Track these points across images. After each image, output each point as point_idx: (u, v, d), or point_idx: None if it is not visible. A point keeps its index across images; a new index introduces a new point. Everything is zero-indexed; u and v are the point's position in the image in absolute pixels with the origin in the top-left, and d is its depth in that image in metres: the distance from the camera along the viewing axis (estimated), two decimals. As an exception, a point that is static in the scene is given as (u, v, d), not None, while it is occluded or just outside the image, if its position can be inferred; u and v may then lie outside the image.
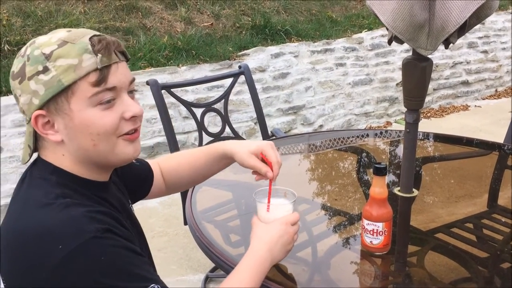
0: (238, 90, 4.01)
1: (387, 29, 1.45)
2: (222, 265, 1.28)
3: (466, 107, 5.76)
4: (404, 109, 5.15)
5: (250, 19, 4.94)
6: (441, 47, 1.48)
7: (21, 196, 0.95)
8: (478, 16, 1.33)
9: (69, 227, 0.85)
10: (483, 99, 6.07)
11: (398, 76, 5.28)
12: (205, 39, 4.47)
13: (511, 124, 2.57)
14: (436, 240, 1.50)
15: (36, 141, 0.97)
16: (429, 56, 1.45)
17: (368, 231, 1.25)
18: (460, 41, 5.98)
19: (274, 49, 4.57)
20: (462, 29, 1.35)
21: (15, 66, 0.93)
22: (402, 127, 5.81)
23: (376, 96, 5.09)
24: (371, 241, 1.26)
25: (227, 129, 2.49)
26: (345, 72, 4.92)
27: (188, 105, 2.42)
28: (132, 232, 1.02)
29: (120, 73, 0.93)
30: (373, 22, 5.55)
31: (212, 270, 2.62)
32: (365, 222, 1.26)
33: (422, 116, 5.43)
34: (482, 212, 1.66)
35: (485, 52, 6.12)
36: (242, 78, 2.57)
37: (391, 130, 2.55)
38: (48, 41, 0.91)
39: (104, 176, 1.01)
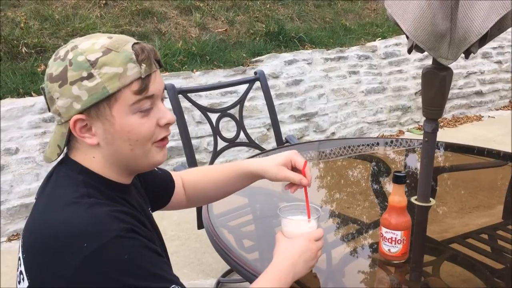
0: (251, 96, 4.02)
1: (407, 37, 1.46)
2: (239, 270, 1.29)
3: (479, 118, 5.73)
4: (416, 118, 5.15)
5: (264, 25, 4.96)
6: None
7: (47, 193, 0.97)
8: (500, 27, 1.33)
9: (94, 226, 0.87)
10: (497, 109, 6.03)
11: (411, 85, 5.26)
12: (219, 45, 4.50)
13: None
14: (451, 250, 1.49)
15: (68, 142, 0.98)
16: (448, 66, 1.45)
17: (386, 239, 1.25)
18: (474, 51, 5.95)
19: (287, 55, 4.58)
20: (483, 39, 1.34)
21: (54, 69, 0.93)
22: (414, 136, 5.72)
23: (389, 104, 5.09)
24: (389, 249, 1.26)
25: (241, 135, 2.50)
26: (358, 80, 4.92)
27: (204, 110, 2.43)
28: (153, 233, 1.03)
29: (157, 81, 0.96)
30: (387, 31, 5.54)
31: (224, 275, 2.62)
32: (384, 230, 1.25)
33: (434, 126, 5.40)
34: (497, 223, 1.65)
35: (499, 62, 6.09)
36: (255, 84, 2.58)
37: (402, 139, 2.55)
38: (92, 47, 0.92)
39: (128, 179, 1.03)
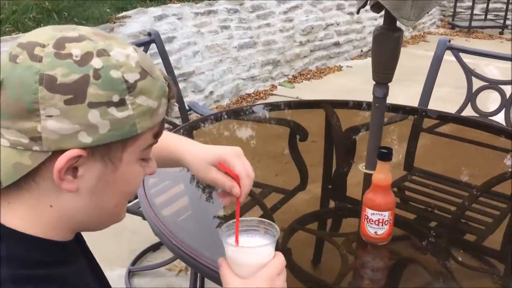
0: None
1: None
2: (185, 258, 1.13)
3: (339, 68, 6.02)
4: (286, 72, 5.23)
5: (124, -24, 4.46)
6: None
7: None
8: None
9: None
10: (352, 59, 6.39)
11: (279, 38, 5.27)
12: (76, -1, 3.94)
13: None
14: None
15: (20, 178, 0.61)
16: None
17: (372, 221, 1.16)
18: (329, 2, 6.16)
19: (156, 10, 4.20)
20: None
21: (59, 71, 0.59)
22: (286, 90, 5.76)
23: (261, 59, 5.04)
24: (375, 232, 1.16)
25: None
26: (230, 35, 4.76)
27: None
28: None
29: None
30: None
31: (133, 263, 2.36)
32: (369, 212, 1.15)
33: (302, 78, 5.52)
34: (402, 177, 1.64)
35: (351, 13, 6.40)
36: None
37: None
38: (127, 61, 0.62)
39: (72, 236, 0.72)
